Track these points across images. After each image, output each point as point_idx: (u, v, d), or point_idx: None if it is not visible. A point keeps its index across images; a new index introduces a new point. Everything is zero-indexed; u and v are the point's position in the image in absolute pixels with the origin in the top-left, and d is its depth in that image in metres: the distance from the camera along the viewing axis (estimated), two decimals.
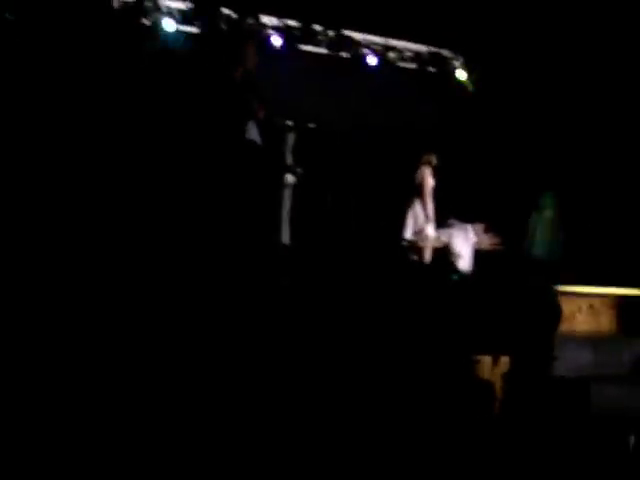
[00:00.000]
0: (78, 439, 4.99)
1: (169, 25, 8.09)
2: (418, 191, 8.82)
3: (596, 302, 7.26)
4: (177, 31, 8.20)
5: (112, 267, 6.37)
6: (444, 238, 9.16)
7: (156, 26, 8.02)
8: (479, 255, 9.29)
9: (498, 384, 6.69)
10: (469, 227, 9.33)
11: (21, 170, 6.21)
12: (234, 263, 7.42)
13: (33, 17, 6.43)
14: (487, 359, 6.69)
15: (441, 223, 9.22)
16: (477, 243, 9.33)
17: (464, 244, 9.20)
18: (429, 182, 8.80)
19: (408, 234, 8.93)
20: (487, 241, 9.42)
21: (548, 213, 9.23)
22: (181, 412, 5.28)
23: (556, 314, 6.89)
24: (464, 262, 9.08)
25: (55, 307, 5.69)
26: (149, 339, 5.64)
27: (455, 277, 7.97)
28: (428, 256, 8.74)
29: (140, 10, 7.91)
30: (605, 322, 7.20)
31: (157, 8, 8.00)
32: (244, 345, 5.98)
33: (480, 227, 9.38)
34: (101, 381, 5.36)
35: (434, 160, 8.88)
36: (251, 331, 6.17)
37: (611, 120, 9.19)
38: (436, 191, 9.03)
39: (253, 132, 7.50)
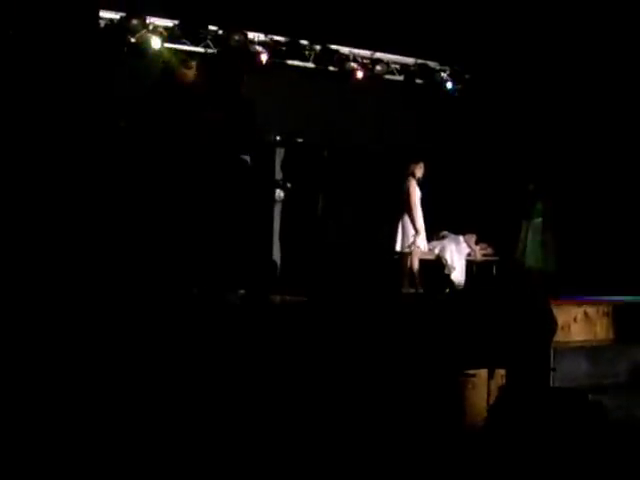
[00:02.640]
0: (78, 439, 4.97)
1: (155, 42, 8.05)
2: (406, 203, 8.78)
3: (590, 311, 7.25)
4: (163, 48, 8.17)
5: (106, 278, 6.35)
6: (436, 250, 9.13)
7: (143, 44, 7.98)
8: (472, 266, 9.28)
9: (495, 397, 6.65)
10: (461, 238, 9.31)
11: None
12: (225, 279, 7.39)
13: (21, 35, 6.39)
14: (483, 372, 6.65)
15: (433, 235, 9.20)
16: (470, 254, 9.32)
17: (457, 256, 9.18)
18: (415, 193, 8.77)
19: (398, 246, 8.89)
20: (479, 252, 9.40)
21: (538, 222, 9.21)
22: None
23: (551, 325, 6.86)
24: (457, 274, 9.05)
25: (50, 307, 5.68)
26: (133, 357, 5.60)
27: (448, 290, 7.93)
28: (418, 268, 8.68)
29: (126, 28, 7.88)
30: (600, 330, 7.19)
31: (144, 26, 7.96)
32: (231, 360, 5.94)
33: (472, 238, 9.36)
34: (97, 382, 5.35)
35: (420, 170, 8.85)
36: (238, 347, 6.13)
37: (599, 131, 9.22)
38: (425, 202, 9.00)
39: (243, 149, 7.52)
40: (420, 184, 8.87)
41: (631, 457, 5.70)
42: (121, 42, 7.87)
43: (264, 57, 8.85)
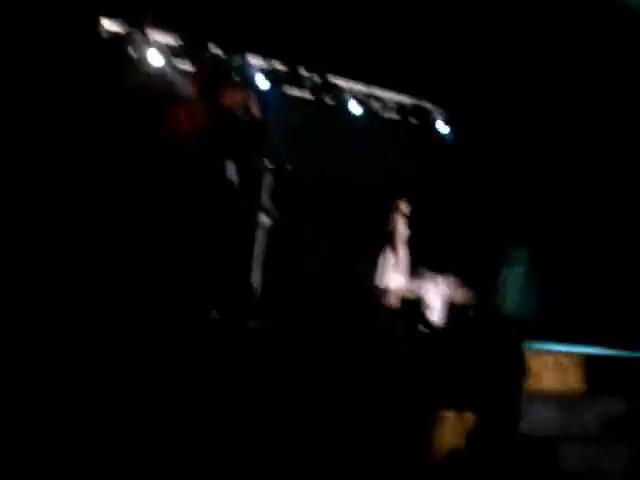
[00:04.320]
0: (78, 439, 4.94)
1: (156, 59, 8.09)
2: (390, 238, 8.83)
3: (564, 360, 7.28)
4: (164, 65, 8.21)
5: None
6: (415, 288, 9.15)
7: (143, 59, 8.02)
8: (449, 308, 9.29)
9: (462, 440, 6.65)
10: (440, 279, 9.34)
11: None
12: (202, 303, 7.38)
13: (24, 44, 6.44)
14: (451, 415, 6.65)
15: (413, 273, 9.24)
16: (448, 296, 9.34)
17: (435, 296, 9.20)
18: (400, 230, 8.83)
19: (379, 281, 8.92)
20: (458, 294, 9.43)
21: (519, 269, 9.28)
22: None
23: (522, 371, 6.89)
24: (434, 314, 9.07)
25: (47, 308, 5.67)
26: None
27: (423, 329, 7.95)
28: (396, 304, 8.71)
29: (128, 42, 7.92)
30: (572, 380, 7.21)
31: (146, 41, 8.01)
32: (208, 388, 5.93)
33: (452, 280, 9.40)
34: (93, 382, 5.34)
35: (405, 207, 8.92)
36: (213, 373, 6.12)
37: (583, 178, 9.33)
38: (409, 240, 9.06)
39: (231, 171, 7.53)
40: (406, 223, 8.94)
41: None
42: (122, 55, 7.91)
43: (262, 83, 8.94)
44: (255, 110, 7.78)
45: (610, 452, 6.40)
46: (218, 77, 8.61)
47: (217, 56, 8.64)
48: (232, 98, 7.89)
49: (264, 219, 8.81)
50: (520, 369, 6.96)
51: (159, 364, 5.97)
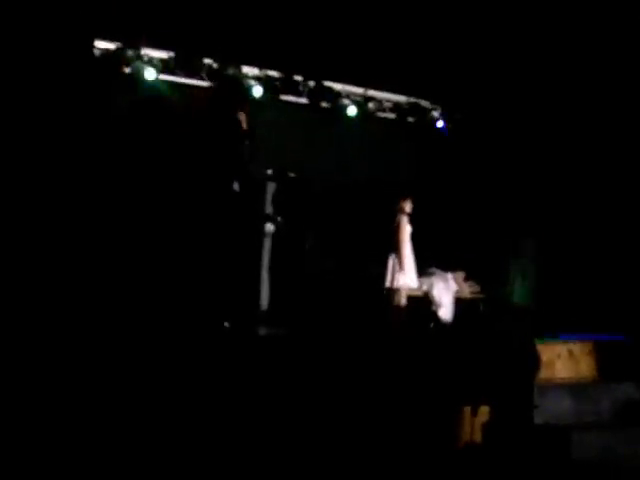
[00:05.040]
0: (78, 439, 4.96)
1: (150, 74, 8.13)
2: (395, 238, 8.82)
3: (575, 348, 7.27)
4: (158, 80, 8.24)
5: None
6: (424, 287, 9.13)
7: (137, 75, 8.06)
8: (459, 303, 9.28)
9: (478, 434, 6.64)
10: (449, 276, 9.32)
11: None
12: (214, 314, 7.40)
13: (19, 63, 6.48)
14: (467, 409, 6.65)
15: (422, 271, 9.22)
16: (458, 291, 9.33)
17: (445, 293, 9.18)
18: (405, 230, 8.82)
19: (387, 282, 8.91)
20: (467, 289, 9.41)
21: (526, 260, 9.24)
22: None
23: (535, 362, 6.88)
24: (445, 311, 9.05)
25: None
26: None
27: (433, 326, 7.95)
28: (405, 304, 8.70)
29: (121, 58, 7.95)
30: (584, 368, 7.20)
31: (138, 57, 8.04)
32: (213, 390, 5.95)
33: (460, 275, 9.38)
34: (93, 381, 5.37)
35: (409, 206, 8.90)
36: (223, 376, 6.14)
37: (587, 167, 9.30)
38: (414, 238, 9.04)
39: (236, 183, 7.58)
40: (411, 220, 8.93)
41: None
42: (115, 72, 7.95)
43: (258, 91, 8.96)
44: (245, 122, 7.82)
45: (626, 438, 6.36)
46: (235, 94, 8.70)
47: (232, 74, 8.71)
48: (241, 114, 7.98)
49: (269, 227, 8.84)
50: (532, 360, 6.95)
51: (172, 374, 5.99)
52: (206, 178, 7.50)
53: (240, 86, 8.73)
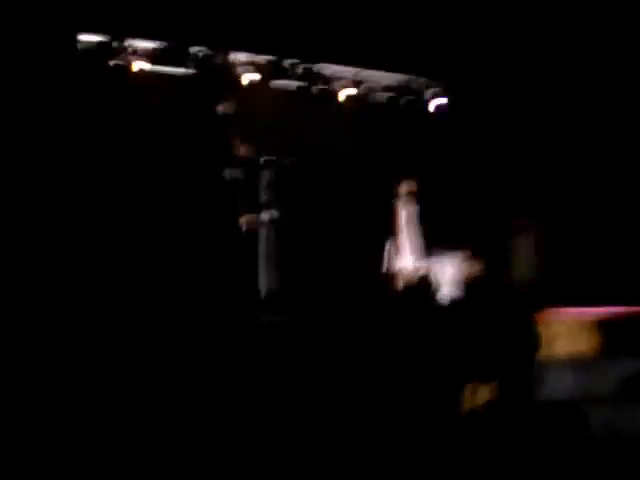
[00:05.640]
0: (78, 439, 4.96)
1: (137, 65, 8.07)
2: (396, 220, 8.78)
3: (577, 323, 7.21)
4: (145, 71, 8.19)
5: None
6: (425, 268, 9.10)
7: (123, 67, 8.00)
8: (461, 283, 9.23)
9: (482, 412, 6.60)
10: (449, 256, 9.28)
11: None
12: (211, 302, 7.38)
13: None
14: (470, 387, 6.61)
15: (424, 253, 9.17)
16: (459, 272, 9.27)
17: (447, 273, 9.14)
18: (406, 211, 8.77)
19: (389, 264, 8.87)
20: (469, 269, 9.36)
21: (527, 237, 9.20)
22: None
23: (536, 339, 6.83)
24: (448, 291, 9.02)
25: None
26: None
27: (430, 308, 7.92)
28: (407, 286, 8.67)
29: (107, 51, 7.90)
30: (586, 343, 7.13)
31: (124, 49, 7.98)
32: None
33: (463, 255, 9.33)
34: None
35: (407, 190, 8.85)
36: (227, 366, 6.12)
37: (586, 142, 9.23)
38: (417, 220, 8.99)
39: (228, 172, 7.52)
40: (413, 201, 8.88)
41: (616, 470, 5.64)
42: (101, 65, 7.89)
43: (247, 78, 8.90)
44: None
45: (628, 412, 6.31)
46: (222, 84, 8.64)
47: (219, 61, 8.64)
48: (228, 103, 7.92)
49: (266, 215, 8.79)
50: (534, 337, 6.91)
51: (173, 366, 5.99)
52: (194, 168, 7.45)
53: (227, 73, 8.67)
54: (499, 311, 7.30)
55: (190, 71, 8.59)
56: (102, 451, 5.06)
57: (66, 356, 5.72)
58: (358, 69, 9.62)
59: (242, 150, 7.79)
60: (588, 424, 6.11)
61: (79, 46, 7.49)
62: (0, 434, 4.91)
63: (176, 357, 6.10)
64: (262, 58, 9.07)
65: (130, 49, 8.05)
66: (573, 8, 8.82)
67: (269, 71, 9.14)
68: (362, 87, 9.67)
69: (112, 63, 7.97)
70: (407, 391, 6.48)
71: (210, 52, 8.68)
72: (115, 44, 7.88)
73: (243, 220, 7.75)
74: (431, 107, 10.14)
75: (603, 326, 7.23)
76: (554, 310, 7.47)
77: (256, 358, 6.35)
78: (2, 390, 5.24)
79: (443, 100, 10.13)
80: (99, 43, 7.86)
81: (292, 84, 9.37)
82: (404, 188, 8.90)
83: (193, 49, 8.57)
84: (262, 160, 8.90)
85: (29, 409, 5.19)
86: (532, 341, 6.85)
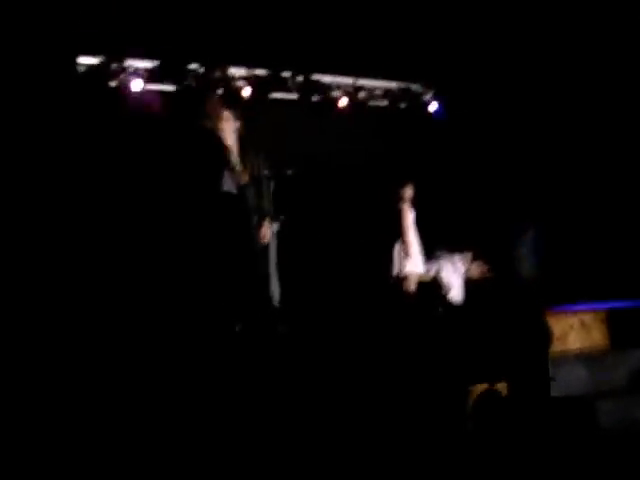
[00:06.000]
0: (78, 439, 4.98)
1: (136, 85, 8.12)
2: (399, 226, 8.80)
3: (587, 318, 7.22)
4: (145, 90, 8.24)
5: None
6: (432, 271, 9.11)
7: (123, 87, 8.05)
8: (469, 284, 9.24)
9: (496, 412, 6.60)
10: (457, 257, 9.29)
11: None
12: (225, 317, 7.40)
13: None
14: (483, 387, 6.61)
15: (429, 256, 9.19)
16: (466, 272, 9.29)
17: (453, 275, 9.15)
18: (407, 217, 8.80)
19: (395, 270, 8.89)
20: (476, 270, 9.37)
21: (532, 234, 9.21)
22: None
23: (546, 336, 6.83)
24: (455, 292, 9.02)
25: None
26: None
27: (442, 309, 7.92)
28: (414, 289, 8.68)
29: (106, 73, 7.95)
30: (598, 337, 7.16)
31: (123, 69, 8.04)
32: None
33: (468, 256, 9.34)
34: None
35: (410, 192, 8.88)
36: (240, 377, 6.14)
37: (584, 143, 9.26)
38: (419, 223, 9.01)
39: (228, 183, 7.51)
40: (413, 206, 8.90)
41: (632, 463, 5.64)
42: (101, 86, 7.94)
43: (246, 92, 8.94)
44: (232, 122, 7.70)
45: None
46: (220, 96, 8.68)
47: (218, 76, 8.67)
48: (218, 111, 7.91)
49: (272, 225, 8.82)
50: (544, 334, 6.91)
51: (185, 379, 6.00)
52: (197, 182, 7.46)
53: (226, 87, 8.72)
54: (509, 310, 7.32)
55: (189, 87, 8.63)
56: (98, 449, 5.08)
57: (59, 357, 5.74)
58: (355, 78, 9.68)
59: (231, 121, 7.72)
60: (601, 419, 6.13)
61: (78, 69, 7.55)
62: None
63: (184, 369, 6.11)
64: (260, 71, 9.11)
65: (129, 69, 8.09)
66: (570, 11, 8.85)
67: (267, 83, 9.18)
68: (361, 94, 9.71)
69: (112, 84, 8.02)
70: (420, 393, 6.50)
71: (208, 68, 8.72)
72: (114, 65, 7.93)
73: (263, 232, 7.72)
74: (430, 110, 10.18)
75: (613, 320, 7.24)
76: (563, 306, 7.49)
77: (271, 367, 6.37)
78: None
79: (439, 105, 10.17)
80: (98, 65, 7.91)
81: (291, 95, 9.41)
82: (409, 192, 8.93)
83: (191, 66, 8.62)
84: (265, 172, 8.94)
85: (24, 404, 5.20)
86: (543, 338, 6.86)
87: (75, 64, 7.41)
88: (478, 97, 9.92)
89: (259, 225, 7.70)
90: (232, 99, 8.72)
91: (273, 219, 8.75)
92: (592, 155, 9.28)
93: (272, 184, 8.96)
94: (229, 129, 7.43)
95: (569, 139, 9.37)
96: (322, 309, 8.24)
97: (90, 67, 7.85)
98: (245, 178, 7.50)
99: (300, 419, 5.96)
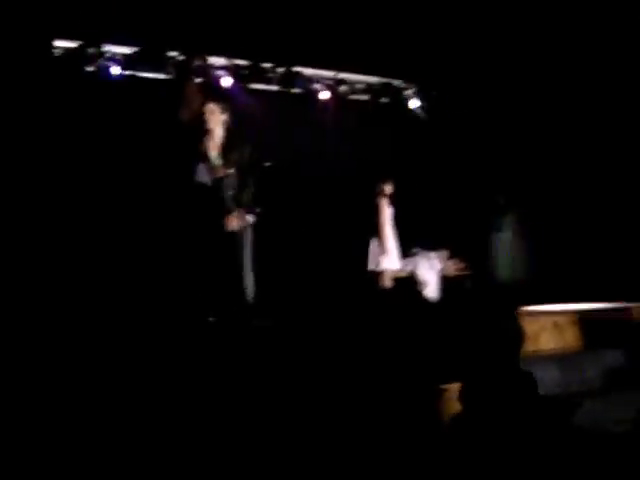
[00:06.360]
0: (78, 439, 4.92)
1: (114, 70, 8.03)
2: (377, 221, 8.78)
3: (560, 319, 7.19)
4: (122, 76, 8.14)
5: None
6: (409, 267, 9.09)
7: (100, 72, 7.95)
8: (445, 282, 9.23)
9: (466, 410, 6.56)
10: (433, 255, 9.28)
11: None
12: (198, 309, 7.33)
13: None
14: (454, 387, 6.57)
15: (405, 252, 9.17)
16: (442, 270, 9.28)
17: (429, 272, 9.15)
18: (385, 213, 8.78)
19: (371, 265, 8.87)
20: (452, 267, 9.36)
21: (507, 234, 9.22)
22: None
23: (518, 335, 6.80)
24: (431, 290, 9.02)
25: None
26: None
27: (417, 306, 7.90)
28: (390, 286, 8.66)
29: (83, 57, 7.85)
30: (570, 338, 7.13)
31: (100, 54, 7.94)
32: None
33: (444, 254, 9.33)
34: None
35: (389, 189, 8.85)
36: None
37: (565, 142, 9.25)
38: (398, 220, 8.98)
39: (202, 174, 7.43)
40: (391, 202, 8.87)
41: (601, 464, 5.63)
42: (77, 71, 7.84)
43: (227, 82, 8.86)
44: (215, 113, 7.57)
45: (613, 404, 6.30)
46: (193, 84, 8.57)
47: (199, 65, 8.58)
48: (197, 100, 7.81)
49: (248, 217, 8.75)
50: (517, 333, 6.88)
51: (153, 374, 5.93)
52: (172, 172, 7.38)
53: (207, 77, 8.64)
54: (482, 309, 7.29)
55: (168, 76, 8.54)
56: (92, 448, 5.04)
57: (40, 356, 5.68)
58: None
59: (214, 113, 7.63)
60: (575, 418, 6.11)
61: (55, 52, 7.45)
62: None
63: (157, 364, 6.04)
64: (240, 62, 9.03)
65: (106, 54, 7.99)
66: (554, 10, 8.84)
67: (248, 74, 9.11)
68: (342, 88, 9.66)
69: (88, 69, 7.92)
70: (391, 389, 6.46)
71: (188, 56, 8.63)
72: (91, 50, 7.82)
73: (231, 219, 7.59)
74: (411, 106, 10.15)
75: (585, 322, 7.23)
76: (537, 306, 7.48)
77: (246, 362, 6.31)
78: None
79: (420, 102, 10.14)
80: (75, 49, 7.81)
81: (271, 87, 9.35)
82: (387, 187, 8.89)
83: (170, 54, 8.53)
84: (244, 162, 8.87)
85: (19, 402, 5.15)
86: (515, 337, 6.83)
87: (51, 47, 7.30)
88: (459, 94, 9.91)
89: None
90: (216, 91, 8.65)
91: (249, 211, 8.69)
92: (568, 155, 9.28)
93: (250, 175, 8.91)
94: (215, 121, 7.31)
95: (548, 139, 9.37)
96: (297, 303, 8.20)
97: (67, 50, 7.75)
98: (224, 170, 7.41)
99: (267, 414, 5.91)
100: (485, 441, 6.13)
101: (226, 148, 7.38)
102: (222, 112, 7.37)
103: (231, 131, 7.45)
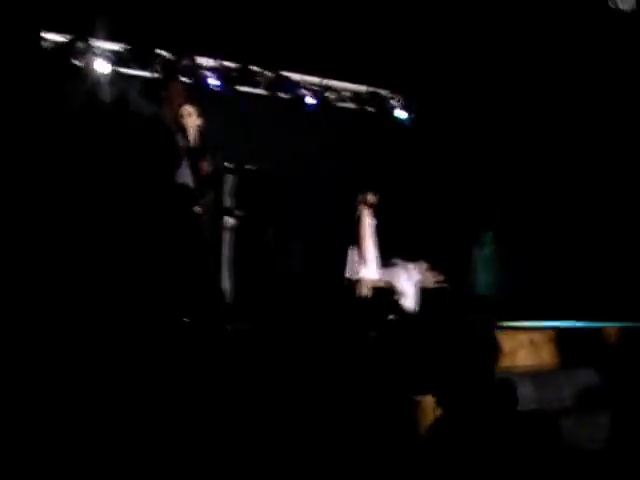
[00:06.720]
0: (77, 439, 4.87)
1: (102, 67, 7.98)
2: (357, 230, 8.78)
3: (536, 336, 7.22)
4: (110, 73, 8.10)
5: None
6: (387, 277, 9.11)
7: (88, 68, 7.90)
8: (423, 293, 9.25)
9: (440, 424, 6.57)
10: (412, 266, 9.30)
11: None
12: (170, 311, 7.29)
13: None
14: (429, 399, 6.58)
15: (384, 262, 9.19)
16: (421, 281, 9.30)
17: (407, 283, 9.16)
18: (365, 222, 8.79)
19: (349, 273, 8.87)
20: (431, 279, 9.39)
21: (488, 250, 9.26)
22: None
23: (494, 350, 6.82)
24: (408, 301, 9.03)
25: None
26: None
27: (393, 316, 7.90)
28: (367, 295, 8.67)
29: (71, 51, 7.79)
30: (546, 356, 7.15)
31: (89, 49, 7.88)
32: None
33: (423, 265, 9.36)
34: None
35: (372, 199, 8.86)
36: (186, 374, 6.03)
37: (547, 156, 9.31)
38: (379, 230, 9.00)
39: (184, 175, 7.40)
40: (374, 212, 8.88)
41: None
42: (65, 65, 7.78)
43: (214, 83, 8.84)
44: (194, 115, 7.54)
45: (587, 422, 6.34)
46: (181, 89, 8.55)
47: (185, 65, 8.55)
48: (179, 99, 7.78)
49: (228, 220, 8.72)
50: (493, 349, 6.90)
51: (136, 370, 5.89)
52: (152, 170, 7.34)
53: (194, 77, 8.61)
54: (458, 322, 7.31)
55: (155, 75, 8.50)
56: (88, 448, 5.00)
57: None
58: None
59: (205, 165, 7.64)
60: (551, 434, 6.13)
61: (43, 45, 7.39)
62: None
63: (131, 364, 6.00)
64: (228, 64, 9.02)
65: (94, 50, 7.94)
66: (536, 15, 8.89)
67: (236, 77, 9.09)
68: (329, 95, 9.67)
69: (76, 63, 7.86)
70: (365, 399, 6.46)
71: (176, 56, 8.61)
72: (80, 44, 7.77)
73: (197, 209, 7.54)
74: (397, 117, 10.18)
75: (562, 340, 7.27)
76: (515, 322, 7.51)
77: (224, 366, 6.28)
78: None
79: (406, 112, 10.17)
80: (63, 43, 7.75)
81: (259, 90, 9.34)
82: (370, 198, 8.90)
83: (158, 52, 8.49)
84: (226, 165, 8.84)
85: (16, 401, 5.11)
86: (490, 353, 6.85)
87: (39, 39, 7.24)
88: (446, 105, 9.95)
89: (212, 219, 7.59)
90: (196, 95, 8.62)
91: (229, 214, 8.67)
92: (551, 173, 9.35)
93: (232, 178, 8.89)
94: (191, 124, 7.30)
95: (531, 152, 9.43)
96: (274, 307, 8.18)
97: (55, 44, 7.69)
98: (202, 172, 7.39)
99: (241, 420, 5.88)
100: (461, 452, 6.15)
101: (200, 152, 7.38)
102: (198, 116, 7.36)
103: (204, 135, 7.45)
